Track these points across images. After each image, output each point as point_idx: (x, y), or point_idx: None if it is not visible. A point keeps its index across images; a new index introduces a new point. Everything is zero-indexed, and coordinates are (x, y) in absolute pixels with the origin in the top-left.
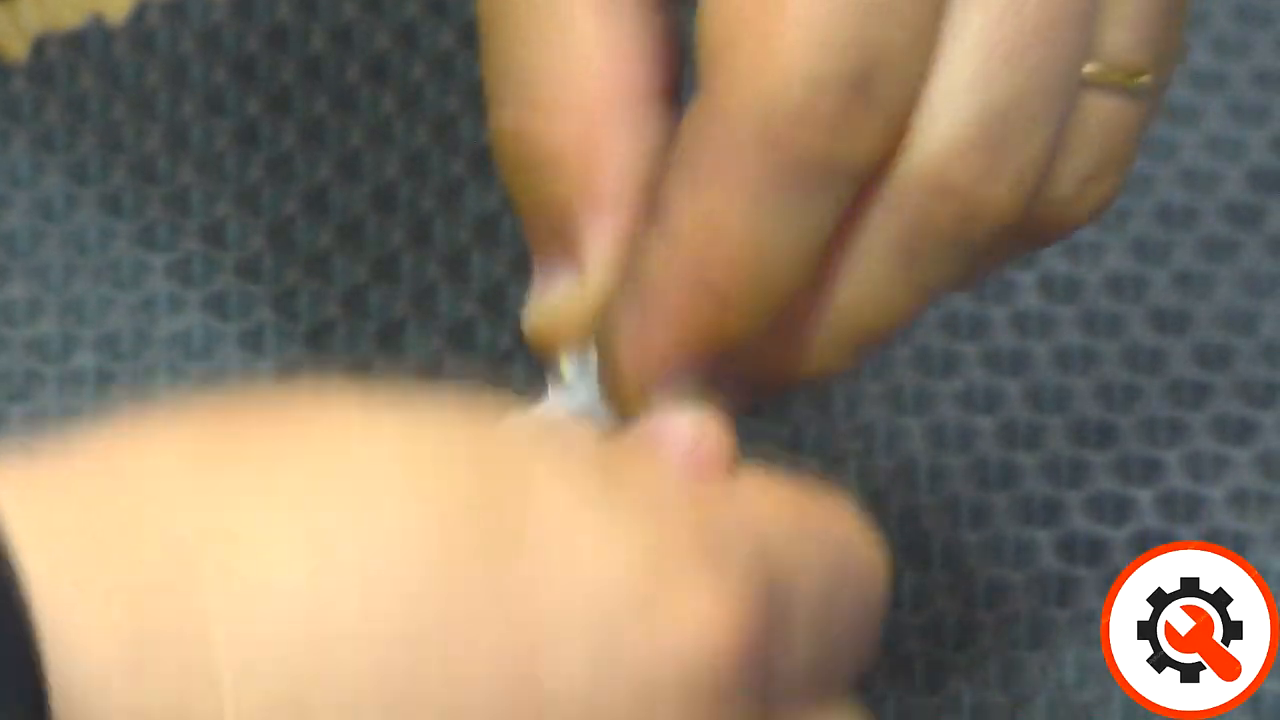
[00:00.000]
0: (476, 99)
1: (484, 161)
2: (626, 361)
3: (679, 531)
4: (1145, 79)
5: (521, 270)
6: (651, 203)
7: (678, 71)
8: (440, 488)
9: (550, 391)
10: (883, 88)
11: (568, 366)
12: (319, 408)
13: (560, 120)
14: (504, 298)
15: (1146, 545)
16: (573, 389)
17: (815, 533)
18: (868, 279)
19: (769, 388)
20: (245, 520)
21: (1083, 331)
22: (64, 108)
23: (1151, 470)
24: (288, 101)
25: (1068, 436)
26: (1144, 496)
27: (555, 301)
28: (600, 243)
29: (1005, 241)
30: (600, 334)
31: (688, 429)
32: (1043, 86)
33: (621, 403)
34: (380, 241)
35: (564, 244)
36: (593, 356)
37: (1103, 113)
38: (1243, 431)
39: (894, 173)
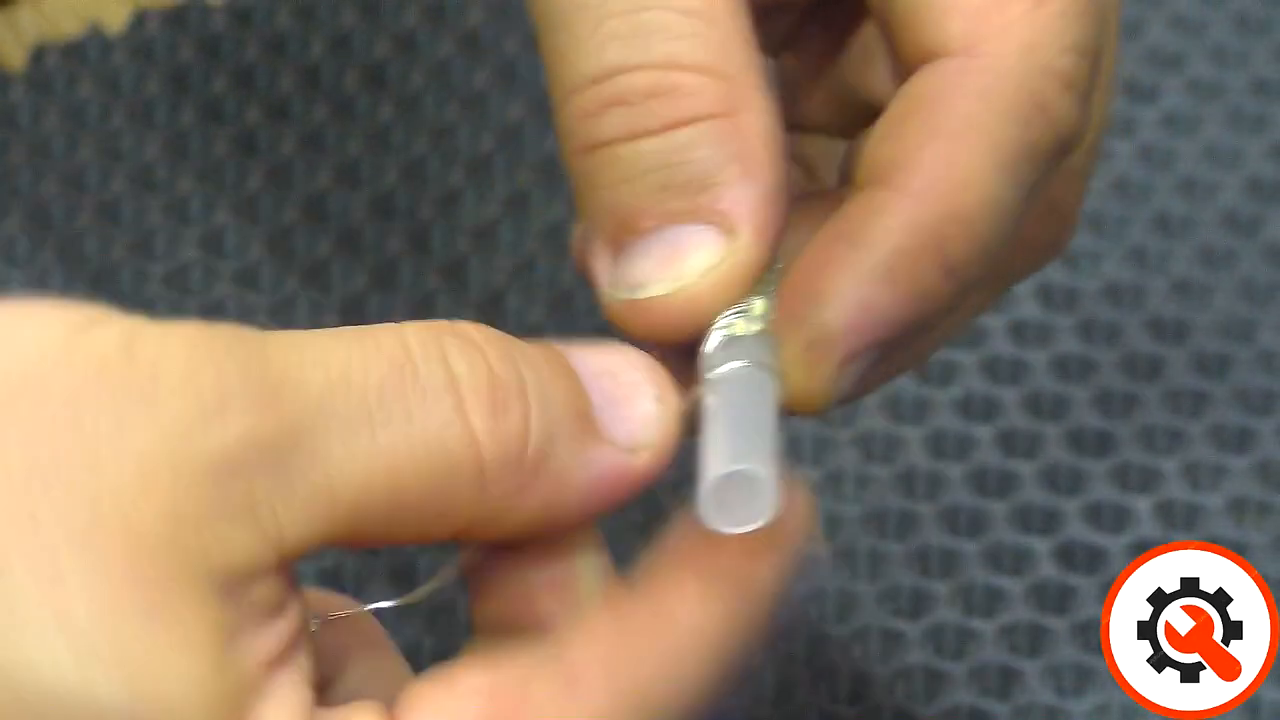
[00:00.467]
0: (475, 108)
1: (482, 170)
2: (844, 326)
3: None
4: None
5: (519, 278)
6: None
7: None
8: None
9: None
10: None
11: (712, 339)
12: None
13: (708, 78)
14: (502, 305)
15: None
16: (715, 361)
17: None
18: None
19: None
20: None
21: (1081, 340)
22: (62, 116)
23: (1150, 478)
24: (286, 110)
25: (1066, 445)
26: (1142, 505)
27: (700, 265)
28: (755, 204)
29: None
30: (801, 300)
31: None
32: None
33: (813, 370)
34: (378, 249)
35: (706, 207)
36: (743, 327)
37: None
38: (1241, 440)
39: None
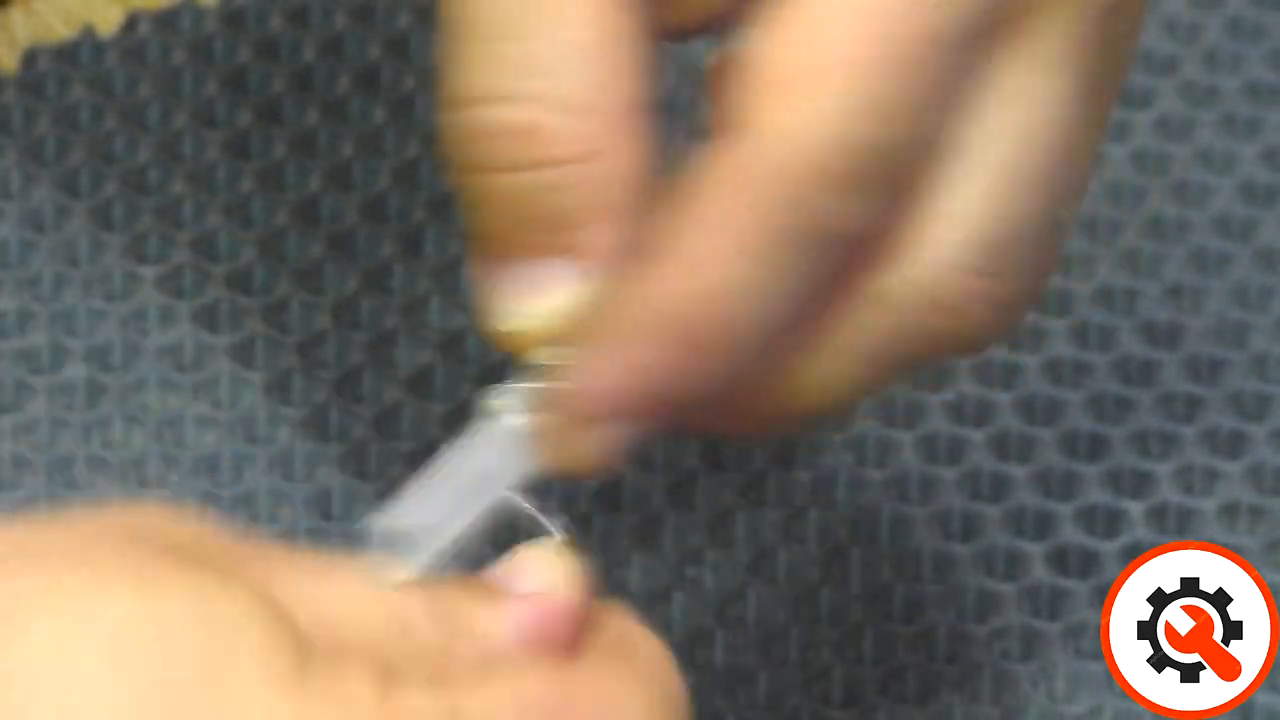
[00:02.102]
0: None
1: None
2: (581, 393)
3: None
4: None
5: None
6: (637, 231)
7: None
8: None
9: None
10: (902, 171)
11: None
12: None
13: (573, 120)
14: None
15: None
16: (491, 406)
17: None
18: (831, 362)
19: (706, 437)
20: None
21: (1074, 344)
22: (54, 119)
23: (1143, 482)
24: (279, 113)
25: (1059, 448)
26: (1135, 509)
27: (554, 306)
28: (607, 248)
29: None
30: (554, 360)
31: (542, 574)
32: (1044, 223)
33: (555, 435)
34: (371, 253)
35: (562, 246)
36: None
37: None
38: (1234, 444)
39: (890, 272)
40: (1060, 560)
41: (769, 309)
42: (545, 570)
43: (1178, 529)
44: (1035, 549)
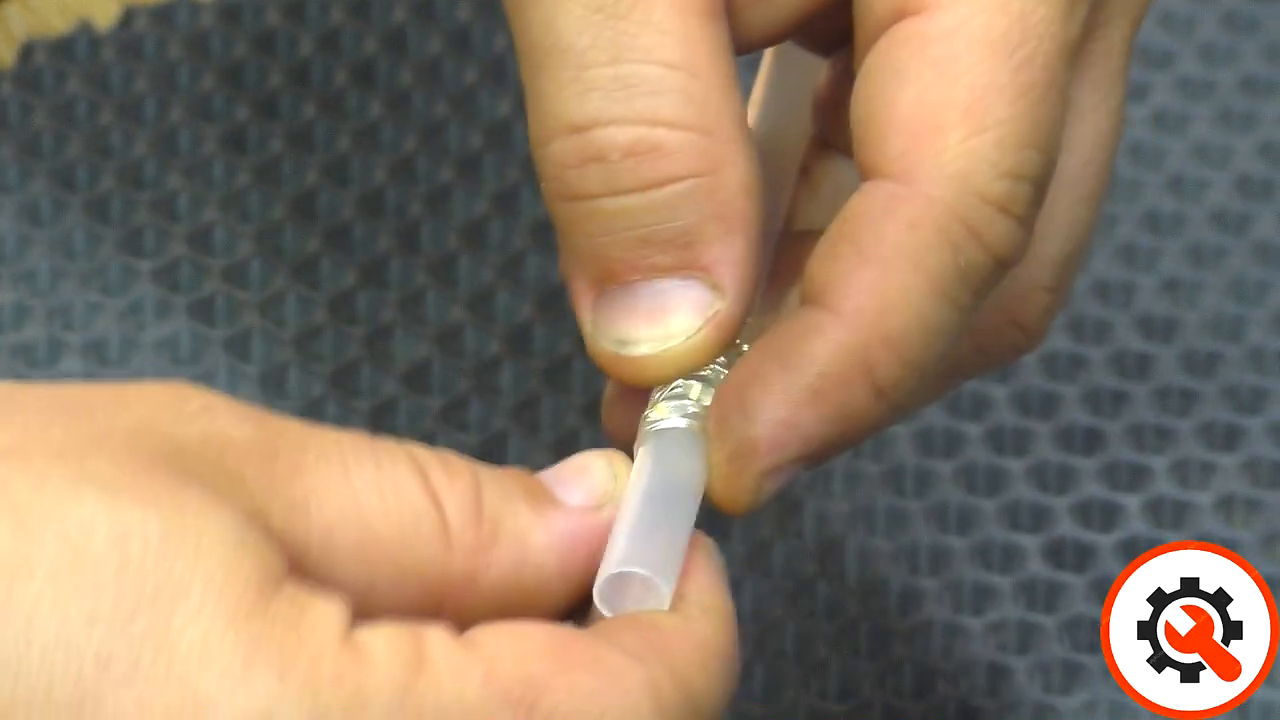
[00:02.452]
0: (464, 105)
1: (471, 167)
2: (767, 442)
3: None
4: None
5: (508, 275)
6: (784, 274)
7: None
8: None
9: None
10: (1046, 194)
11: (661, 406)
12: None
13: (690, 135)
14: (491, 302)
15: (1134, 551)
16: (654, 436)
17: None
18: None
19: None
20: None
21: (1070, 337)
22: (51, 113)
23: (1139, 476)
24: (275, 107)
25: (1055, 442)
26: (1131, 502)
27: (685, 326)
28: (737, 261)
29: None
30: (730, 411)
31: (595, 486)
32: (1088, 240)
33: (733, 481)
34: (368, 246)
35: (690, 262)
36: (697, 391)
37: None
38: (1230, 437)
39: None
40: (1056, 554)
41: (947, 342)
42: (598, 482)
43: (1174, 523)
44: (1031, 542)
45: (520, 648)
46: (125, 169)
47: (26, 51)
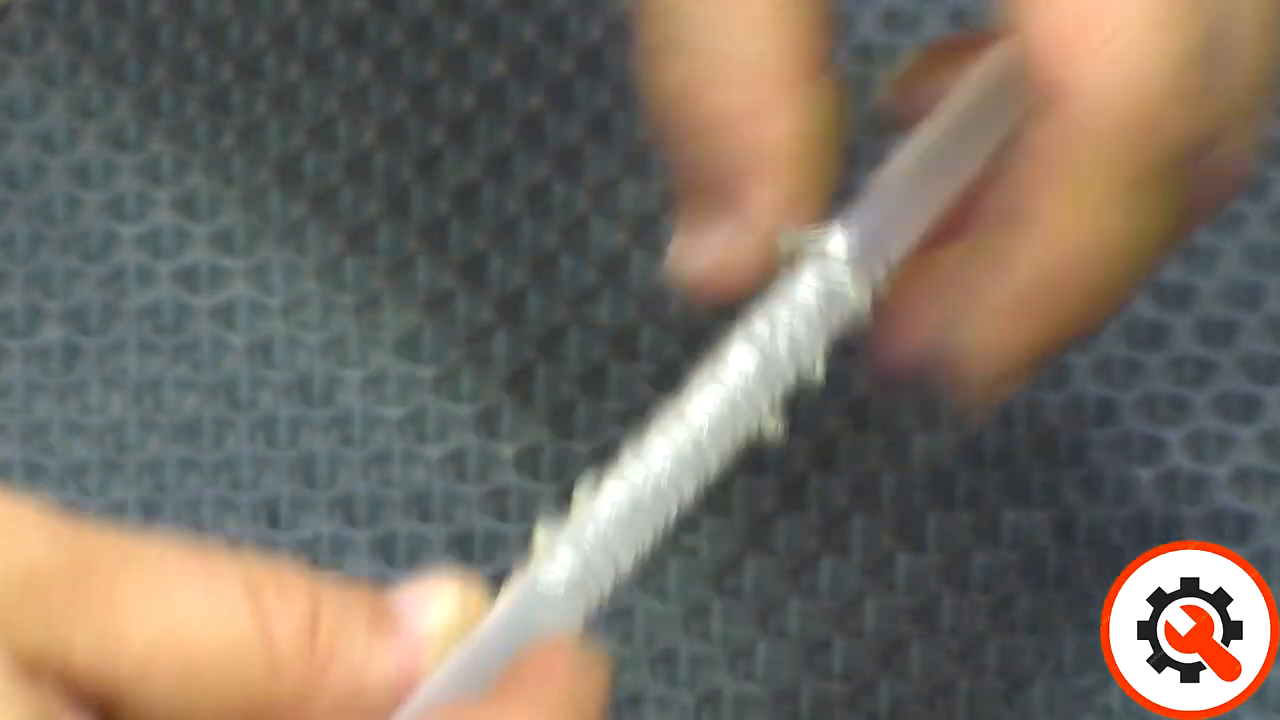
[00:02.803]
0: (455, 65)
1: (463, 129)
2: (984, 361)
3: None
4: None
5: (502, 240)
6: (981, 205)
7: (830, 44)
8: None
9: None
10: (1216, 63)
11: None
12: None
13: (739, 87)
14: (484, 269)
15: (1147, 526)
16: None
17: None
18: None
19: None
20: None
21: None
22: (30, 73)
23: (1153, 449)
24: (260, 68)
25: (1066, 414)
26: (1145, 476)
27: (717, 251)
28: (771, 203)
29: None
30: (951, 335)
31: (441, 613)
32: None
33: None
34: (356, 212)
35: (728, 200)
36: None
37: None
38: (1246, 409)
39: None
40: (1067, 529)
41: (1157, 233)
42: (445, 609)
43: (1189, 497)
44: (1041, 517)
45: None
46: (105, 131)
47: (5, 10)
